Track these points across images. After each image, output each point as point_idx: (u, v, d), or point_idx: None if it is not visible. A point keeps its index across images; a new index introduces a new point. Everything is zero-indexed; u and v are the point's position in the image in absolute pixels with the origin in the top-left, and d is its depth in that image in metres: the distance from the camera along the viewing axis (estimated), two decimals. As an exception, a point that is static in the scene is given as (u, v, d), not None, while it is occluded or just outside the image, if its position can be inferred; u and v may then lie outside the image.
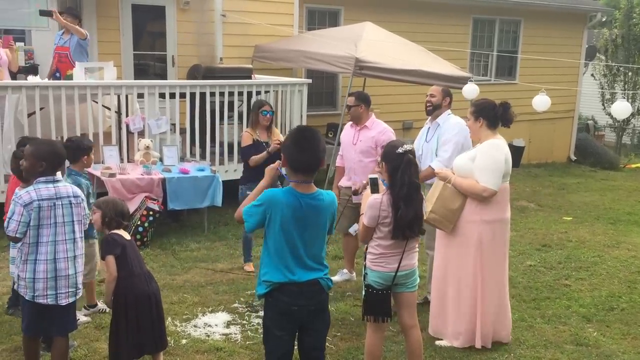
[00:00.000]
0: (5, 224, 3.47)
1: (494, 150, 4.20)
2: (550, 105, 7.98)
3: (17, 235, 3.46)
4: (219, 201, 7.11)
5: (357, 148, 5.49)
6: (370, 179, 3.67)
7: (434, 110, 5.15)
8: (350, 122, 5.68)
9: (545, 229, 8.37)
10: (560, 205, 10.07)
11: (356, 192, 5.10)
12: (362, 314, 3.77)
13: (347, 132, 5.68)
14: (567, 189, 11.75)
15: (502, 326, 4.55)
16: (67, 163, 4.34)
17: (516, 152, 13.55)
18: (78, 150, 4.56)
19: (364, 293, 3.74)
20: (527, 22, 13.93)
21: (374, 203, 3.57)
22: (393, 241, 3.60)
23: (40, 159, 3.52)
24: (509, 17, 13.69)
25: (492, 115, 4.25)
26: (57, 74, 7.57)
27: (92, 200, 4.49)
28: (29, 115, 6.67)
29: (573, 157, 15.62)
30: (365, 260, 3.74)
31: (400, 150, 3.58)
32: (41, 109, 6.70)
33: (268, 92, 8.34)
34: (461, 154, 4.51)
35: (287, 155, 3.08)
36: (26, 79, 7.02)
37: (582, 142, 15.95)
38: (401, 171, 3.53)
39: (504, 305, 4.56)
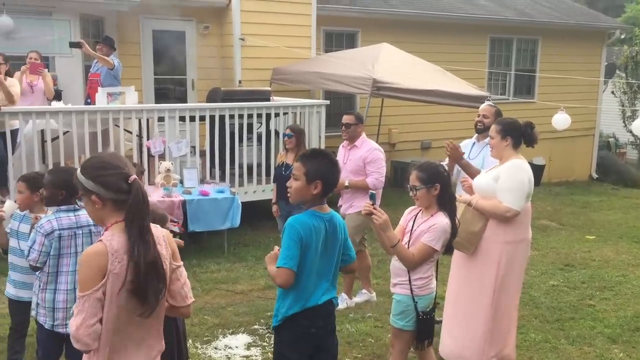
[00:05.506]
0: (26, 252, 3.46)
1: (519, 171, 4.16)
2: (570, 123, 7.96)
3: (38, 265, 3.45)
4: (236, 222, 7.15)
5: (347, 167, 5.49)
6: (371, 193, 3.66)
7: (484, 130, 5.07)
8: (344, 143, 5.71)
9: (567, 248, 8.26)
10: (582, 224, 9.94)
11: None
12: (419, 344, 3.69)
13: (339, 153, 5.71)
14: (589, 207, 11.60)
15: (510, 346, 4.50)
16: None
17: (537, 171, 13.41)
18: None
19: (414, 321, 3.63)
20: (545, 41, 13.92)
21: (447, 227, 3.54)
22: (435, 260, 3.65)
23: (59, 187, 3.50)
24: (527, 36, 13.69)
25: (518, 134, 4.23)
26: (88, 100, 7.75)
27: None
28: (53, 139, 6.80)
29: (595, 175, 15.45)
30: (409, 291, 3.61)
31: (446, 167, 3.67)
32: (65, 133, 6.84)
33: (287, 113, 8.41)
34: (482, 174, 4.47)
35: (325, 177, 2.96)
36: (50, 105, 7.18)
37: (604, 160, 15.78)
38: (449, 187, 3.63)
39: (514, 325, 4.52)
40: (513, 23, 13.17)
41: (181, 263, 2.42)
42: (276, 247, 3.05)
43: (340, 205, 5.64)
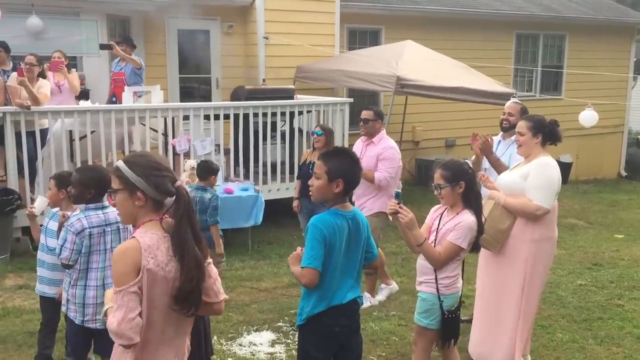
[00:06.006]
0: (58, 251, 3.53)
1: (548, 168, 4.11)
2: (597, 120, 7.82)
3: (70, 263, 3.51)
4: (259, 220, 7.19)
5: (362, 163, 5.39)
6: (396, 192, 3.64)
7: (510, 128, 4.99)
8: (363, 138, 5.66)
9: (595, 247, 8.13)
10: (611, 223, 9.78)
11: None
12: (444, 342, 3.65)
13: (357, 148, 5.66)
14: (617, 205, 11.40)
15: (527, 344, 4.46)
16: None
17: (564, 169, 13.21)
18: (209, 171, 5.54)
19: (438, 319, 3.60)
20: (572, 37, 13.71)
21: (473, 225, 3.50)
22: (462, 258, 3.61)
23: (88, 186, 3.55)
24: (553, 31, 13.50)
25: (548, 131, 4.17)
26: (114, 99, 7.87)
27: (209, 213, 5.39)
28: (81, 138, 6.91)
29: (623, 173, 15.19)
30: (435, 290, 3.58)
31: (470, 164, 3.62)
32: (92, 132, 6.94)
33: (310, 112, 8.42)
34: (508, 172, 4.42)
35: (347, 176, 2.96)
36: (78, 104, 7.30)
37: (633, 158, 15.50)
38: (474, 185, 3.59)
39: (533, 323, 4.49)
40: (539, 19, 12.99)
41: (210, 260, 2.45)
42: (299, 248, 3.06)
43: (353, 202, 5.60)
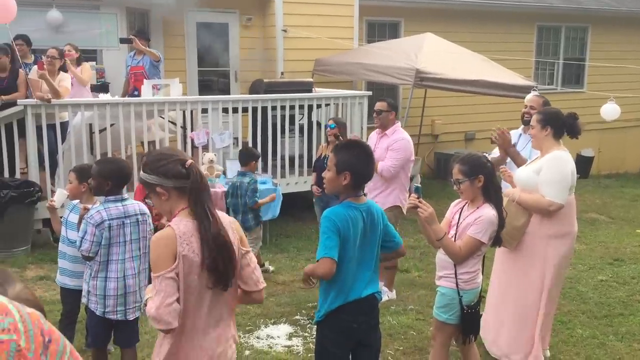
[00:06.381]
0: (78, 243, 3.56)
1: (561, 162, 4.04)
2: (620, 114, 7.70)
3: (91, 255, 3.54)
4: (277, 213, 7.22)
5: (375, 155, 5.36)
6: (416, 187, 3.60)
7: None
8: (377, 130, 5.63)
9: (617, 242, 8.02)
10: (633, 218, 9.62)
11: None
12: (464, 338, 3.62)
13: (371, 140, 5.64)
14: (640, 200, 11.23)
15: (546, 339, 4.42)
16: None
17: (585, 163, 13.07)
18: (249, 157, 5.81)
19: (457, 314, 3.56)
20: (595, 29, 13.50)
21: (493, 219, 3.46)
22: (482, 253, 3.57)
23: (106, 177, 3.58)
24: (576, 23, 13.30)
25: (559, 124, 4.10)
26: (136, 92, 7.94)
27: (248, 195, 5.65)
28: (101, 131, 6.97)
29: (646, 167, 14.96)
30: (454, 285, 3.54)
31: (488, 157, 3.62)
32: (112, 125, 7.00)
33: (328, 105, 8.40)
34: (524, 166, 4.36)
35: (354, 168, 2.94)
36: (97, 96, 7.36)
37: (656, 152, 15.23)
38: (493, 178, 3.55)
39: (552, 318, 4.45)
40: (561, 10, 12.80)
41: (250, 249, 2.50)
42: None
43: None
